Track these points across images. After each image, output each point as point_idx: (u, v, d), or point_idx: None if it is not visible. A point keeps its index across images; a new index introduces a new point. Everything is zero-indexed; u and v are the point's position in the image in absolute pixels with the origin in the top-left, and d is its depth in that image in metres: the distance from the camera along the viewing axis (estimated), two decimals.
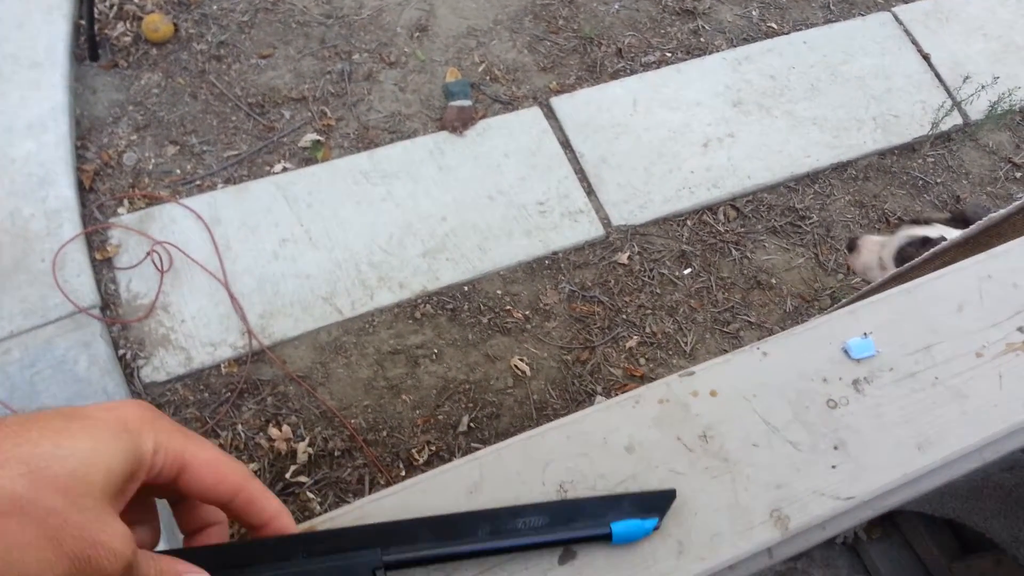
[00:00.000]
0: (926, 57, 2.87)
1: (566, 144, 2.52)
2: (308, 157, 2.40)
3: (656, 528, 0.50)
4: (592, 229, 2.39)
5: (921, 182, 2.69)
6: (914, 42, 2.90)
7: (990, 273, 0.64)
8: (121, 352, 2.06)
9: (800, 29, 2.90)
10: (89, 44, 2.41)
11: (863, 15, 2.96)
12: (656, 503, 0.51)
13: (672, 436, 0.55)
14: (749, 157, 2.57)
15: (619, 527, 0.48)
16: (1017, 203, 0.88)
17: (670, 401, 0.57)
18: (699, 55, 2.78)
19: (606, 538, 0.49)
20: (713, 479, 0.54)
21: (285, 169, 2.36)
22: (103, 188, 2.26)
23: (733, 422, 0.56)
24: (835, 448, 0.55)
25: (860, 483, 0.55)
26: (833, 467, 0.55)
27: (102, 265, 2.17)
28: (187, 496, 0.43)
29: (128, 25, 2.49)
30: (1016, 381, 0.59)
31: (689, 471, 0.54)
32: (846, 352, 0.59)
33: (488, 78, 2.61)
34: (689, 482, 0.54)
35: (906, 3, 3.02)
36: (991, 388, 0.59)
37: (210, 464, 0.42)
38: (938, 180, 2.71)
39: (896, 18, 2.94)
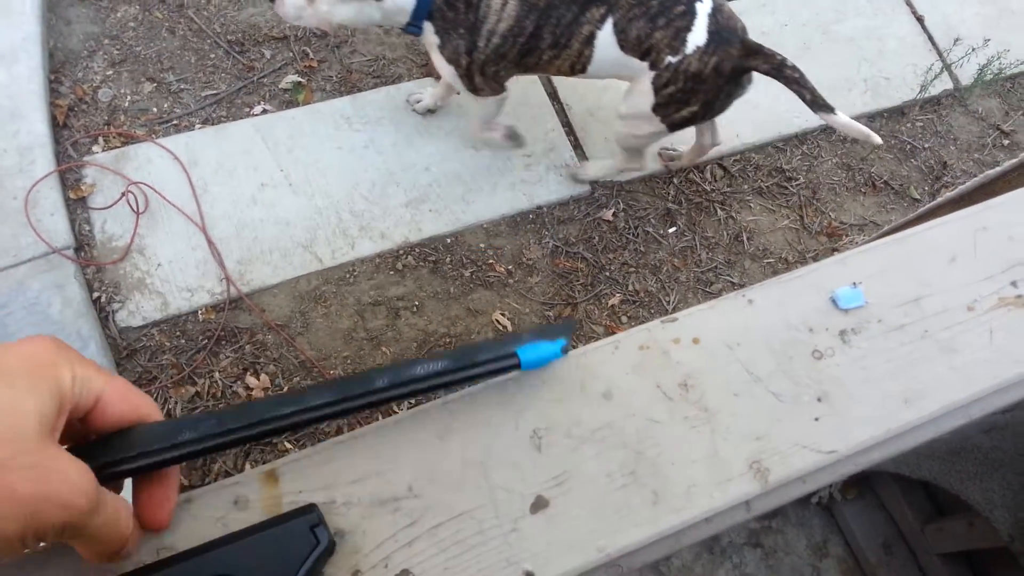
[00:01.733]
0: (920, 19, 2.83)
1: (554, 96, 2.47)
2: (289, 99, 2.34)
3: (564, 351, 0.51)
4: (577, 184, 2.36)
5: (909, 146, 2.68)
6: (908, 3, 2.85)
7: (985, 224, 0.63)
8: (95, 295, 2.02)
9: None
10: None
11: None
12: (560, 330, 0.51)
13: (652, 383, 0.53)
14: (738, 116, 2.53)
15: (525, 352, 0.49)
16: (1013, 160, 0.86)
17: (651, 348, 0.55)
18: None
19: (514, 368, 0.49)
20: (692, 429, 0.52)
21: (265, 111, 2.30)
22: (77, 124, 2.19)
23: (715, 371, 0.54)
24: (818, 400, 0.54)
25: (843, 436, 0.53)
26: (816, 419, 0.53)
27: (76, 204, 2.11)
28: (97, 430, 0.41)
29: None
30: (1007, 337, 0.58)
31: (668, 420, 0.52)
32: (834, 302, 0.57)
33: None
34: (667, 431, 0.52)
35: None
36: (981, 343, 0.58)
37: (121, 393, 0.40)
38: (926, 145, 2.69)
39: None
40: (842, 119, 1.76)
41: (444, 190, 2.27)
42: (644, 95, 1.86)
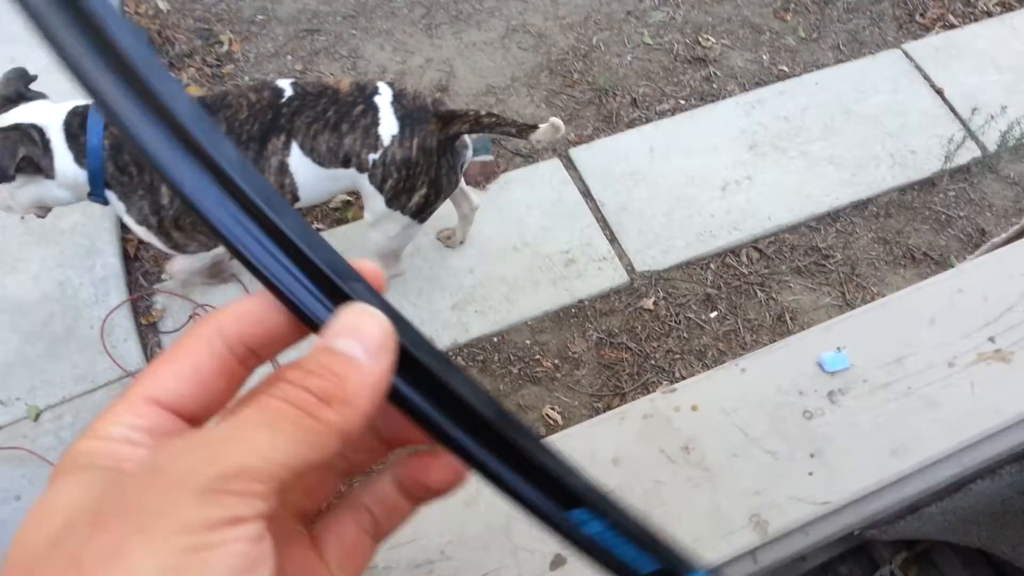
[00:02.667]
0: (939, 91, 2.90)
1: (587, 193, 2.59)
2: (339, 217, 2.50)
3: None
4: (616, 276, 2.44)
5: (944, 216, 2.70)
6: (926, 77, 2.94)
7: (961, 287, 0.68)
8: None
9: (811, 71, 2.96)
10: None
11: (873, 54, 3.01)
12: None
13: (656, 449, 0.59)
14: (768, 198, 2.61)
15: None
16: None
17: (653, 416, 0.61)
18: (712, 101, 2.85)
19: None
20: (695, 488, 0.57)
21: (318, 230, 2.46)
22: (147, 256, 2.38)
23: (714, 434, 0.60)
24: (811, 456, 0.59)
25: (836, 488, 0.58)
26: (810, 474, 0.58)
27: (147, 329, 2.27)
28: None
29: None
30: (987, 388, 0.62)
31: (671, 480, 0.58)
32: (820, 366, 0.63)
33: None
34: (672, 490, 0.57)
35: (915, 40, 3.07)
36: (963, 396, 0.62)
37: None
38: (961, 214, 2.71)
39: (906, 55, 2.99)
40: (542, 128, 1.78)
41: (488, 291, 2.38)
42: (373, 197, 1.89)
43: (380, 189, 1.87)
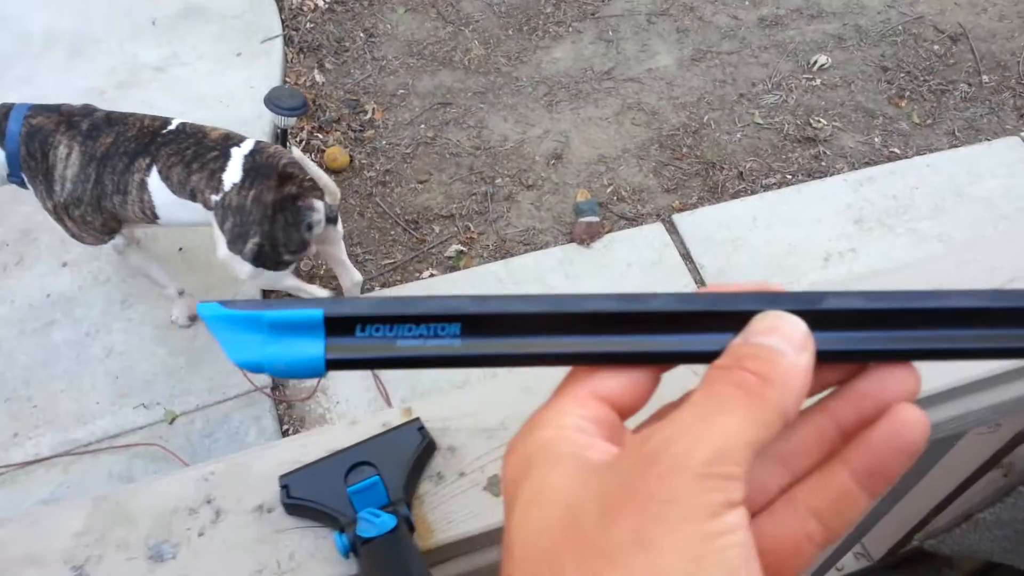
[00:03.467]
0: None
1: (687, 256, 2.69)
2: (452, 265, 2.71)
3: None
4: None
5: None
6: None
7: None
8: (285, 427, 2.35)
9: (924, 154, 2.99)
10: None
11: (989, 140, 3.01)
12: None
13: None
14: (872, 271, 2.63)
15: None
16: None
17: None
18: (820, 177, 2.92)
19: None
20: None
21: (432, 275, 2.67)
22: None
23: None
24: None
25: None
26: None
27: None
28: None
29: (313, 156, 2.98)
30: None
31: None
32: None
33: (615, 198, 2.87)
34: None
35: None
36: None
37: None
38: None
39: None
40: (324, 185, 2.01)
41: None
42: (218, 236, 2.06)
43: (221, 229, 2.05)
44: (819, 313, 0.30)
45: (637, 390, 0.31)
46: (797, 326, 0.28)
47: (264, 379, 2.41)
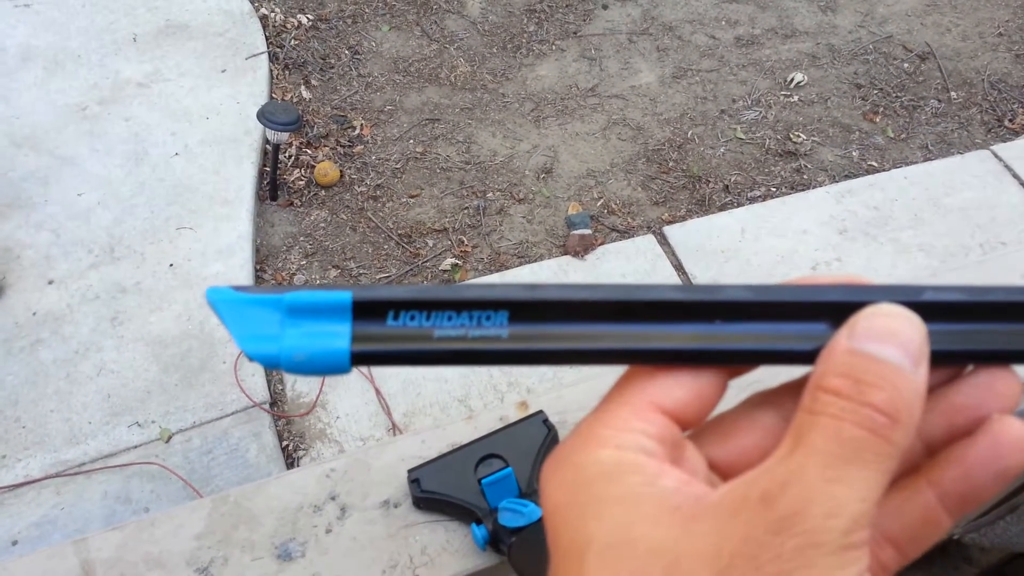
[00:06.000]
0: None
1: (679, 267, 2.74)
2: (447, 278, 2.71)
3: None
4: None
5: None
6: (1015, 176, 3.03)
7: None
8: (284, 443, 2.31)
9: (900, 167, 3.10)
10: (271, 187, 2.88)
11: (961, 154, 3.13)
12: None
13: None
14: None
15: None
16: None
17: None
18: (803, 190, 3.00)
19: None
20: None
21: None
22: None
23: None
24: None
25: None
26: None
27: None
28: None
29: (303, 171, 2.97)
30: None
31: None
32: None
33: (606, 211, 2.91)
34: None
35: (1004, 142, 3.18)
36: None
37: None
38: None
39: (995, 155, 3.10)
40: None
41: None
42: None
43: None
44: (918, 307, 0.25)
45: (703, 400, 0.27)
46: (916, 329, 0.24)
47: (261, 395, 2.38)
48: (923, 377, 0.24)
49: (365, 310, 0.26)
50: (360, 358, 0.26)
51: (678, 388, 0.27)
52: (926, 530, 0.27)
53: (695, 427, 0.28)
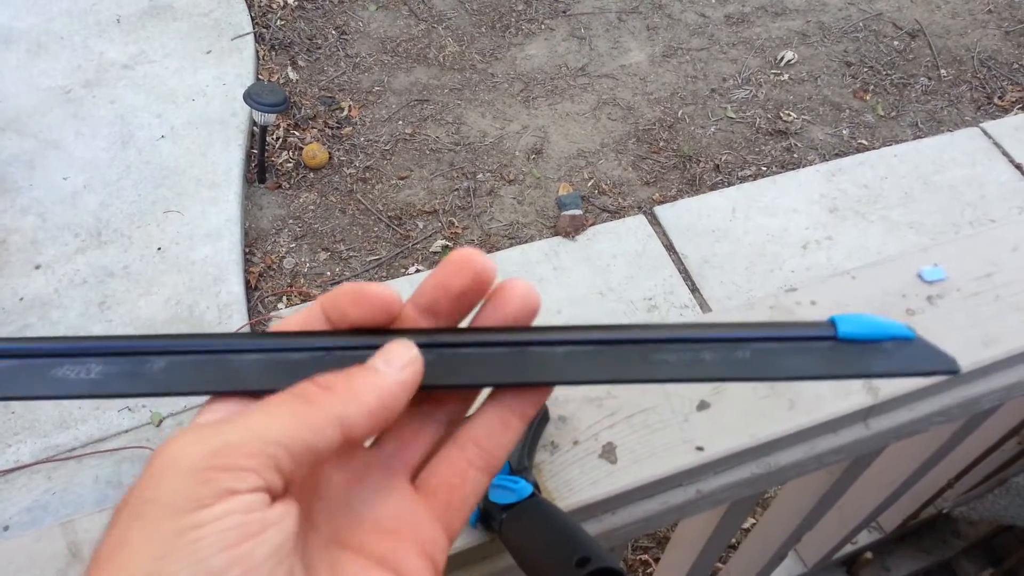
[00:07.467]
0: (1018, 167, 2.99)
1: (670, 247, 2.73)
2: (437, 260, 2.70)
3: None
4: None
5: None
6: (1005, 153, 3.03)
7: None
8: None
9: (890, 145, 3.09)
10: (258, 169, 2.85)
11: (951, 131, 3.13)
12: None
13: None
14: (848, 258, 2.71)
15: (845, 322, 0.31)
16: None
17: (776, 308, 0.74)
18: (793, 169, 3.00)
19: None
20: None
21: (418, 271, 2.66)
22: (266, 287, 2.61)
23: None
24: None
25: None
26: None
27: None
28: None
29: (291, 154, 2.94)
30: None
31: None
32: (920, 277, 0.75)
33: (597, 192, 2.90)
34: None
35: (994, 119, 3.18)
36: None
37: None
38: None
39: (985, 132, 3.10)
40: None
41: None
42: None
43: None
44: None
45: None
46: (405, 349, 0.29)
47: None
48: (397, 376, 0.29)
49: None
50: None
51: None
52: (502, 428, 0.33)
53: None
